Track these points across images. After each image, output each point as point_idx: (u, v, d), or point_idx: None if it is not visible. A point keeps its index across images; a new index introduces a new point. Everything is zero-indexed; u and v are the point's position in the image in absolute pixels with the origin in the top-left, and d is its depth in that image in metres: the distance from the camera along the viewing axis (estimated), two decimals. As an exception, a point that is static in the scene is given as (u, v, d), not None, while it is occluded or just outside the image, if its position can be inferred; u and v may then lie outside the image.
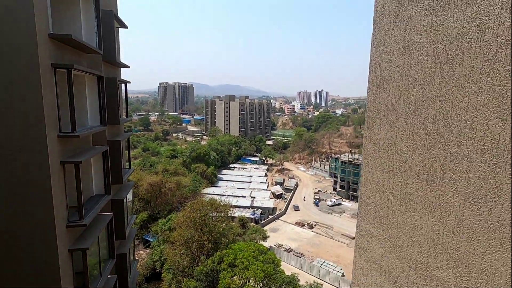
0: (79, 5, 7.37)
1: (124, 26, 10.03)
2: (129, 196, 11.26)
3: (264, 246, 32.48)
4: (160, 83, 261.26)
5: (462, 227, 1.65)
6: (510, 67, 1.38)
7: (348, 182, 78.90)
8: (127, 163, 11.60)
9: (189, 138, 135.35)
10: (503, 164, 1.41)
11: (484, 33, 1.49)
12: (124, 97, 11.42)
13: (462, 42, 1.62)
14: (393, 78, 2.21)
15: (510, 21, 1.38)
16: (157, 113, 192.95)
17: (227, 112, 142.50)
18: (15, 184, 5.81)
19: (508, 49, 1.38)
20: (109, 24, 8.91)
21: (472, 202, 1.58)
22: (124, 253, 9.74)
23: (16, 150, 5.68)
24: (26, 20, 5.34)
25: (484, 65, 1.50)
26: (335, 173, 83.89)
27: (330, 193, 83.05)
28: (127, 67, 10.52)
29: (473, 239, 1.58)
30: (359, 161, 77.74)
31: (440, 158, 1.78)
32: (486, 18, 1.48)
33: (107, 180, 8.61)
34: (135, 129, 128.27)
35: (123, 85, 11.04)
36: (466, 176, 1.62)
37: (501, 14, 1.42)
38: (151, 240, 42.07)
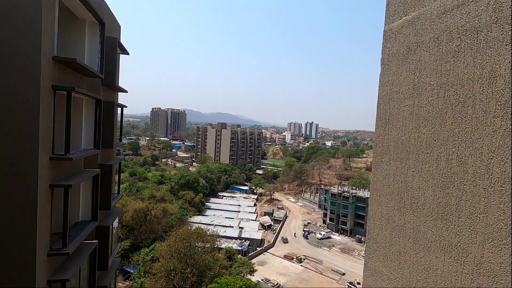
0: (85, 30, 7.58)
1: (126, 53, 10.28)
2: (115, 223, 10.73)
3: (251, 281, 30.97)
4: (152, 108, 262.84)
5: (482, 269, 1.62)
6: (524, 112, 1.45)
7: (337, 215, 78.12)
8: (116, 188, 11.23)
9: (178, 164, 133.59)
10: (523, 206, 1.43)
11: (496, 79, 1.58)
12: (119, 120, 11.38)
13: (474, 86, 1.70)
14: (403, 117, 2.28)
15: (521, 70, 1.48)
16: (148, 138, 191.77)
17: (218, 139, 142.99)
18: None
19: (522, 96, 1.46)
20: (112, 50, 9.11)
21: (491, 243, 1.57)
22: (105, 286, 9.03)
23: (4, 172, 5.42)
24: (33, 42, 5.40)
25: (498, 109, 1.58)
26: (324, 205, 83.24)
27: (320, 225, 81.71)
28: (125, 91, 10.62)
29: (494, 282, 1.55)
30: (348, 194, 77.74)
31: (455, 197, 1.79)
32: (497, 66, 1.58)
33: (95, 206, 8.25)
34: (124, 153, 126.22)
35: (119, 108, 11.05)
36: (484, 216, 1.62)
37: (511, 63, 1.52)
38: (131, 271, 39.65)
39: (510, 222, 1.49)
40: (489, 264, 1.58)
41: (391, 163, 2.38)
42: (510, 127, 1.50)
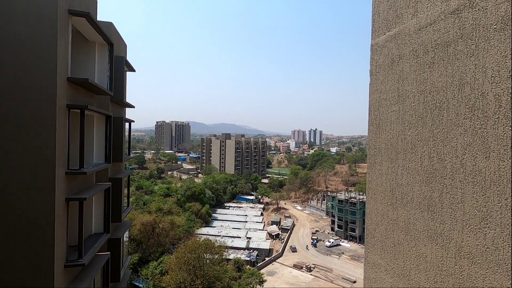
0: (95, 51, 8.03)
1: (132, 70, 10.75)
2: (126, 236, 10.96)
3: (261, 291, 30.66)
4: (157, 122, 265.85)
5: (462, 252, 1.84)
6: (488, 114, 1.69)
7: (346, 222, 77.27)
8: (126, 201, 11.51)
9: (184, 176, 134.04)
10: (491, 194, 1.66)
11: (464, 87, 1.84)
12: (127, 135, 11.78)
13: (447, 93, 1.96)
14: (391, 121, 2.54)
15: (482, 78, 1.74)
16: (153, 151, 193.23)
17: (223, 150, 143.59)
18: (16, 221, 5.74)
19: (484, 100, 1.71)
20: (120, 68, 9.56)
21: (469, 228, 1.79)
22: (117, 297, 9.22)
23: (24, 187, 5.74)
24: (49, 65, 5.81)
25: (466, 112, 1.83)
26: (332, 212, 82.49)
27: (328, 233, 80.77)
28: (133, 107, 11.04)
29: (473, 263, 1.77)
30: (356, 200, 77.08)
31: (438, 190, 2.02)
32: (464, 75, 1.84)
33: (107, 218, 8.51)
34: (130, 167, 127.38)
35: (127, 123, 11.46)
36: (461, 205, 1.85)
37: (475, 72, 1.77)
38: (140, 285, 39.51)
39: (482, 208, 1.71)
40: (468, 247, 1.80)
41: (383, 164, 2.62)
42: (478, 126, 1.75)
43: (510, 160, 1.57)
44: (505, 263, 1.60)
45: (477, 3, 1.76)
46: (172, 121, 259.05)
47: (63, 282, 6.20)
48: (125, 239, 10.78)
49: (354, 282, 54.12)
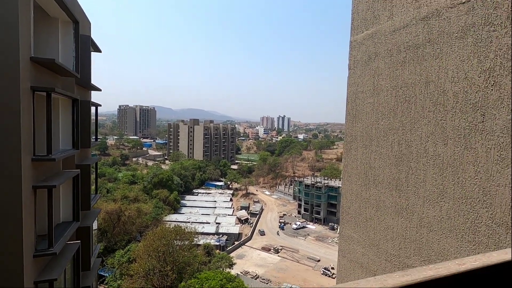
0: (58, 29, 7.40)
1: (98, 50, 10.08)
2: (95, 224, 10.59)
3: (231, 274, 31.54)
4: (119, 106, 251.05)
5: (423, 222, 2.22)
6: (447, 108, 2.03)
7: (311, 205, 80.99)
8: (93, 188, 11.03)
9: (150, 163, 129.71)
10: (447, 174, 2.02)
11: (429, 84, 2.16)
12: (93, 119, 11.14)
13: (415, 89, 2.28)
14: (366, 112, 2.84)
15: (444, 78, 2.06)
16: (116, 137, 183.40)
17: (191, 136, 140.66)
18: None
19: (446, 96, 2.04)
20: (86, 48, 8.90)
21: (429, 203, 2.16)
22: (88, 286, 8.99)
23: None
24: (11, 43, 5.27)
25: (430, 105, 2.16)
26: (299, 196, 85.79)
27: (295, 216, 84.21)
28: (99, 90, 10.42)
29: (431, 230, 2.15)
30: (321, 184, 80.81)
31: (404, 171, 2.37)
32: (430, 74, 2.16)
33: (76, 206, 8.17)
34: (91, 153, 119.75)
35: (93, 107, 10.80)
36: (423, 184, 2.21)
37: (439, 72, 2.09)
38: (106, 275, 38.44)
39: (440, 186, 2.08)
40: (428, 218, 2.17)
41: (358, 149, 2.94)
42: (439, 118, 2.08)
43: (463, 146, 1.93)
44: (455, 230, 1.99)
45: (443, 13, 2.06)
46: (137, 105, 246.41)
47: (32, 272, 5.93)
48: (94, 227, 10.45)
49: (318, 261, 57.63)
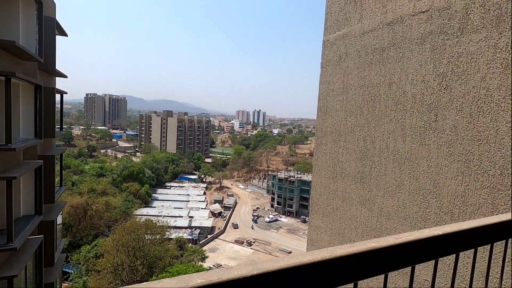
0: (19, 8, 6.80)
1: (64, 34, 9.40)
2: (59, 218, 10.00)
3: (204, 267, 31.50)
4: (86, 94, 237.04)
5: (382, 212, 2.41)
6: (406, 107, 2.21)
7: (284, 199, 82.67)
8: (58, 181, 10.40)
9: (120, 155, 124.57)
10: (405, 168, 2.22)
11: (392, 85, 2.34)
12: (58, 107, 10.41)
13: (380, 89, 2.45)
14: (336, 109, 2.99)
15: (405, 80, 2.24)
16: (82, 127, 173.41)
17: (164, 128, 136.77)
18: None
19: (406, 97, 2.22)
20: (50, 31, 8.27)
21: (388, 194, 2.36)
22: (52, 282, 8.55)
23: None
24: None
25: (392, 105, 2.34)
26: (272, 190, 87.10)
27: (268, 209, 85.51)
28: (65, 76, 9.78)
29: (389, 219, 2.35)
30: (294, 178, 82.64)
31: (368, 165, 2.55)
32: (393, 76, 2.33)
33: (38, 200, 7.69)
34: (56, 144, 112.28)
35: (57, 95, 10.08)
36: (384, 177, 2.40)
37: (400, 75, 2.27)
38: (70, 271, 36.70)
39: (398, 179, 2.27)
40: (387, 208, 2.37)
41: (328, 144, 3.10)
42: (399, 117, 2.27)
43: (418, 143, 2.13)
44: (409, 218, 2.20)
45: (405, 20, 2.23)
46: (106, 94, 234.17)
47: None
48: (58, 221, 9.87)
49: (290, 252, 59.20)
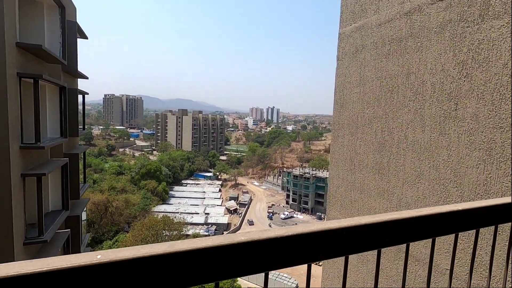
0: (44, 14, 7.16)
1: (85, 37, 9.80)
2: (83, 214, 10.53)
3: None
4: (105, 95, 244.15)
5: (402, 202, 2.42)
6: (425, 97, 2.21)
7: (299, 195, 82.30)
8: (82, 178, 10.92)
9: (137, 154, 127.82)
10: (424, 158, 2.21)
11: (410, 75, 2.33)
12: (80, 108, 10.90)
13: (398, 79, 2.44)
14: (353, 101, 3.00)
15: (423, 69, 2.23)
16: (101, 127, 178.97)
17: (179, 126, 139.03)
18: None
19: (425, 87, 2.22)
20: (72, 34, 8.66)
21: (407, 185, 2.36)
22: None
23: None
24: None
25: (411, 95, 2.33)
26: (287, 187, 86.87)
27: (283, 206, 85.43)
28: (86, 78, 10.20)
29: (409, 209, 2.35)
30: (309, 175, 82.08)
31: (387, 156, 2.56)
32: (411, 66, 2.32)
33: (65, 195, 8.11)
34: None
35: (80, 96, 10.57)
36: (402, 167, 2.40)
37: (419, 64, 2.26)
38: (94, 265, 38.20)
39: (417, 169, 2.27)
40: (406, 198, 2.38)
41: (345, 137, 3.11)
42: (418, 107, 2.26)
43: (438, 133, 2.12)
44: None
45: (424, 9, 2.21)
46: (123, 95, 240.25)
47: (22, 260, 5.89)
48: (83, 217, 10.39)
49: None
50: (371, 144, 2.74)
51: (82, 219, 10.18)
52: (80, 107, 11.20)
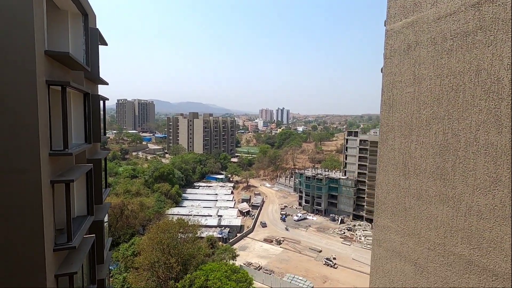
0: (68, 22, 7.27)
1: (105, 44, 9.93)
2: (106, 218, 10.67)
3: (236, 265, 31.94)
4: (117, 100, 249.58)
5: (472, 210, 2.22)
6: (502, 96, 2.01)
7: (312, 197, 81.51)
8: (104, 183, 11.06)
9: (150, 157, 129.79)
10: (502, 162, 2.01)
11: (481, 72, 2.13)
12: (101, 114, 11.06)
13: (464, 77, 2.25)
14: (405, 101, 2.81)
15: (498, 66, 2.03)
16: (115, 131, 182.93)
17: (190, 129, 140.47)
18: (2, 208, 5.31)
19: (500, 84, 2.02)
20: (94, 41, 8.79)
21: (479, 191, 2.16)
22: (103, 279, 9.09)
23: (7, 171, 5.26)
24: (26, 36, 5.17)
25: (482, 94, 2.13)
26: (299, 188, 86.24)
27: (296, 208, 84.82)
28: (106, 84, 10.33)
29: (482, 218, 2.15)
30: (322, 176, 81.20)
31: (451, 161, 2.36)
32: (482, 62, 2.13)
33: (90, 201, 8.19)
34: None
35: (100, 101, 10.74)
36: (473, 172, 2.20)
37: (492, 60, 2.07)
38: (111, 268, 38.90)
39: (493, 174, 2.07)
40: (478, 206, 2.18)
41: (395, 139, 2.92)
42: (492, 106, 2.07)
43: (521, 134, 1.92)
44: (509, 218, 2.00)
45: (497, -1, 2.02)
46: (135, 99, 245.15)
47: (52, 266, 5.98)
48: (105, 220, 10.53)
49: (320, 251, 58.30)
50: (430, 147, 2.55)
51: (105, 223, 10.31)
52: (103, 113, 11.33)
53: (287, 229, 68.29)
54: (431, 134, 2.53)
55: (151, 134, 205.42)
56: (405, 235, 2.84)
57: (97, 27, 9.14)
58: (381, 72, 3.69)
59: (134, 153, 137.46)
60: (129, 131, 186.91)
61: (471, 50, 2.21)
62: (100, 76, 9.77)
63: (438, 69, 2.47)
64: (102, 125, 9.90)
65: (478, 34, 2.16)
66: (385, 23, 3.34)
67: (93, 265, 8.27)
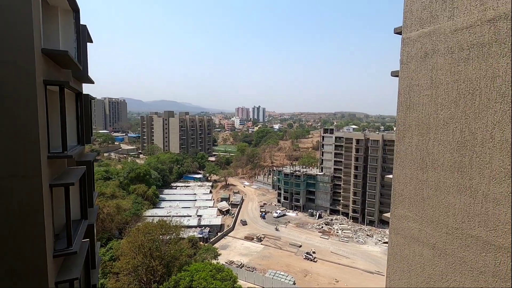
0: (58, 18, 6.91)
1: (90, 41, 9.50)
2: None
3: (221, 264, 31.87)
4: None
5: (489, 198, 2.56)
6: (515, 99, 2.35)
7: (291, 193, 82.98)
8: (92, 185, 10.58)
9: (123, 158, 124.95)
10: (516, 156, 2.36)
11: (496, 78, 2.47)
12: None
13: (480, 82, 2.58)
14: (422, 103, 3.12)
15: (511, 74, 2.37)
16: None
17: (166, 128, 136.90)
18: (2, 214, 4.98)
19: (514, 89, 2.36)
20: (84, 39, 8.38)
21: (495, 181, 2.50)
22: (95, 284, 8.76)
23: (6, 176, 4.93)
24: (25, 34, 4.86)
25: (497, 97, 2.47)
26: (278, 185, 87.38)
27: (275, 205, 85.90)
28: (92, 82, 9.91)
29: (498, 204, 2.49)
30: (300, 173, 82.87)
31: (468, 156, 2.69)
32: (497, 70, 2.47)
33: (83, 204, 7.87)
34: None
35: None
36: (489, 165, 2.54)
37: (506, 69, 2.41)
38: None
39: (507, 166, 2.41)
40: (494, 194, 2.52)
41: (413, 137, 3.23)
42: (507, 108, 2.41)
43: (534, 132, 2.26)
44: (523, 202, 2.35)
45: (510, 16, 2.35)
46: (105, 98, 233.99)
47: (53, 272, 5.70)
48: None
49: (300, 246, 59.62)
50: (448, 144, 2.87)
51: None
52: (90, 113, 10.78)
53: (276, 229, 67.64)
54: (449, 132, 2.86)
55: (124, 134, 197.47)
56: (423, 222, 3.16)
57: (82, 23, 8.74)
58: (391, 75, 4.02)
59: (106, 154, 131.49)
60: (100, 131, 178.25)
61: (486, 59, 2.54)
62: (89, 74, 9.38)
63: (455, 75, 2.79)
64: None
65: (494, 46, 2.49)
66: (395, 31, 3.64)
67: (88, 270, 7.98)
